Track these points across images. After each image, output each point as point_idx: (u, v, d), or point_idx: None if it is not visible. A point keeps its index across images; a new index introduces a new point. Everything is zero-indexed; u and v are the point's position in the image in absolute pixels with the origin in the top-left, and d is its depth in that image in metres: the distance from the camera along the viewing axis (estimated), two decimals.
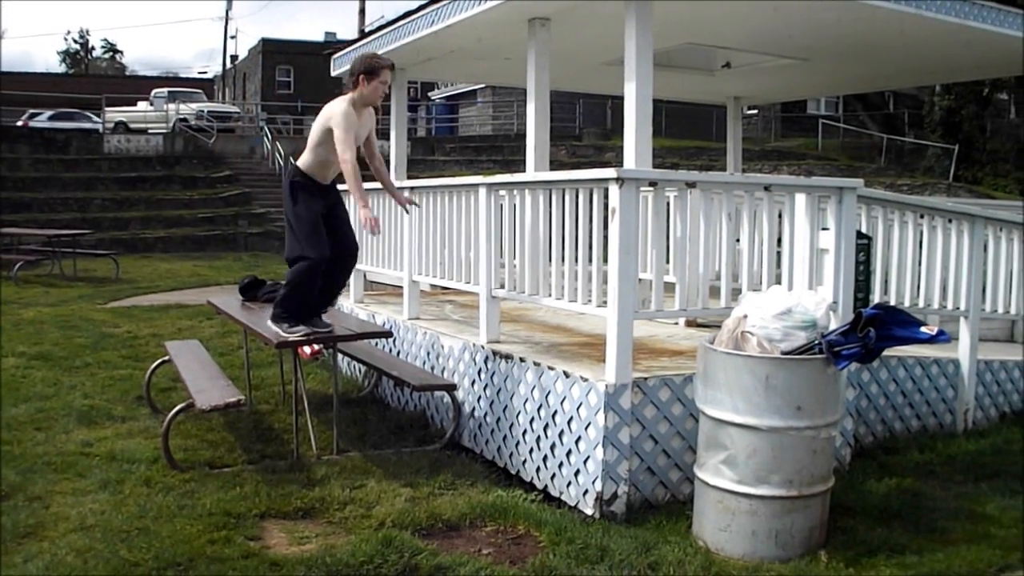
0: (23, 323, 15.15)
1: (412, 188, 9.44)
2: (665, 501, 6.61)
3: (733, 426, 5.75)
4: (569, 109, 44.44)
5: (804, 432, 5.70)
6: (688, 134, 43.12)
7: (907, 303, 8.15)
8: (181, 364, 8.70)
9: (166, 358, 9.41)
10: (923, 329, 6.00)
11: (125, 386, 10.33)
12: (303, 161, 7.79)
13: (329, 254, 7.64)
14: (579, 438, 6.57)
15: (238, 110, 50.51)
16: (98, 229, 28.58)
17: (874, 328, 5.77)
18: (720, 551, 5.81)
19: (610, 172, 6.32)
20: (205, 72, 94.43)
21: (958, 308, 8.63)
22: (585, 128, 46.97)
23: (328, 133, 7.54)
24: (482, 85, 49.15)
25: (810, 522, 5.82)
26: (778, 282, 7.06)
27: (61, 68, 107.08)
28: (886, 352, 6.32)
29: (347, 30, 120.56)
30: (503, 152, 40.75)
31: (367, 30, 14.24)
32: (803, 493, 5.74)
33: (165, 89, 47.64)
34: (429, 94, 60.30)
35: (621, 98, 9.17)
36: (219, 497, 6.67)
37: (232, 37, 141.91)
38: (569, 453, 6.69)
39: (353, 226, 8.22)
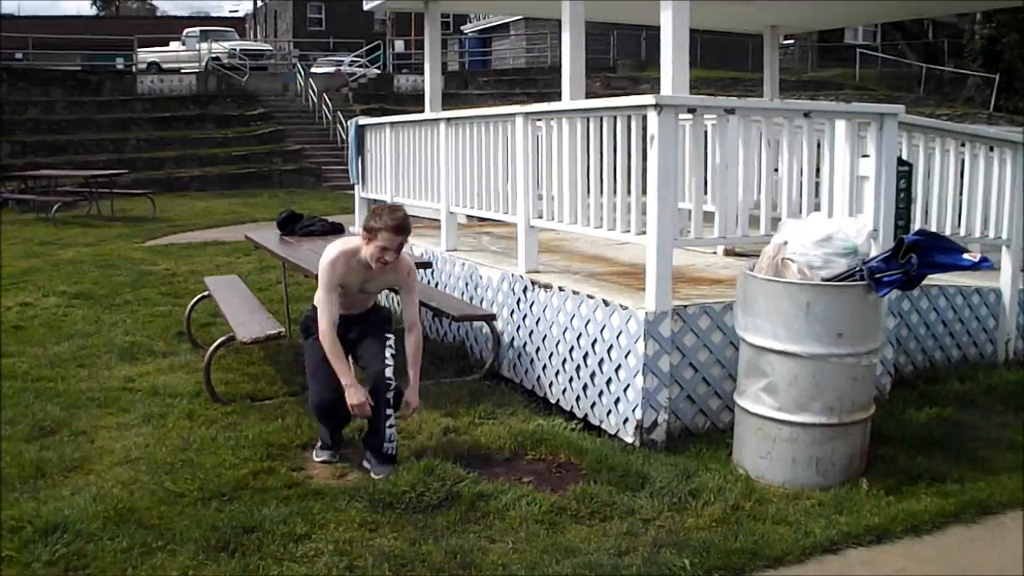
0: (63, 263, 15.29)
1: (449, 119, 9.39)
2: (705, 429, 6.62)
3: (773, 353, 5.73)
4: (603, 41, 43.98)
5: (845, 359, 5.67)
6: (723, 65, 42.73)
7: (948, 232, 8.07)
8: (220, 299, 8.74)
9: (205, 294, 9.46)
10: (966, 256, 5.93)
11: (165, 322, 10.42)
12: (316, 296, 6.37)
13: (328, 398, 6.18)
14: (619, 366, 6.57)
15: (270, 48, 50.40)
16: (133, 169, 28.71)
17: (916, 255, 5.71)
18: (760, 478, 5.82)
19: (648, 98, 6.27)
20: (236, 11, 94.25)
21: (1000, 237, 8.53)
22: (619, 60, 46.56)
23: None
24: (515, 17, 48.79)
25: (850, 450, 5.82)
26: (817, 210, 7.01)
27: (92, 11, 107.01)
28: (926, 281, 6.26)
29: None
30: (537, 85, 40.45)
31: None
32: (843, 421, 5.73)
33: (196, 29, 47.45)
34: (462, 27, 59.93)
35: (656, 29, 9.06)
36: (261, 429, 6.74)
37: None
38: (609, 382, 6.70)
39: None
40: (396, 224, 5.99)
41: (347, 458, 6.32)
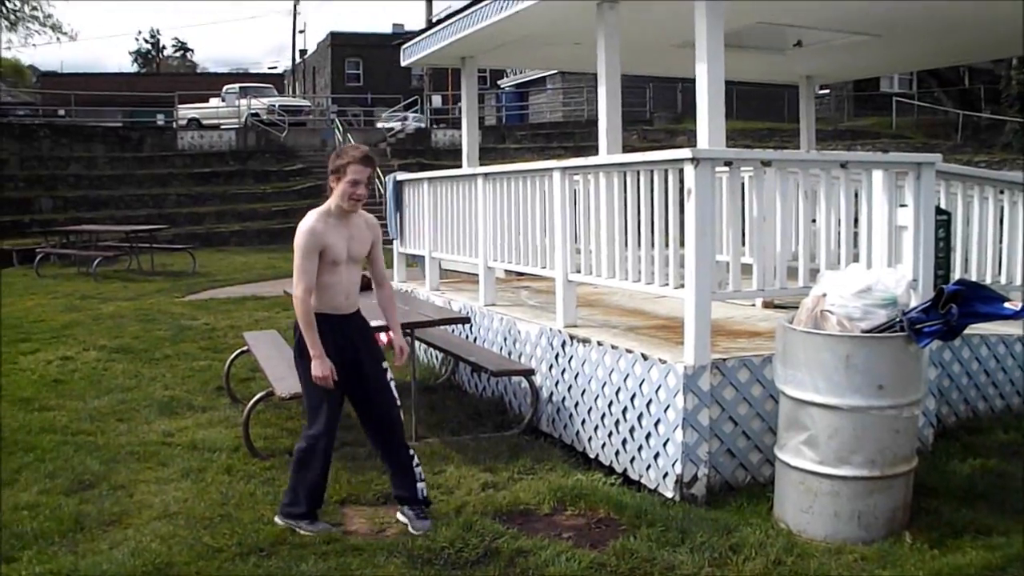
0: (103, 317, 15.41)
1: (486, 174, 9.44)
2: (745, 483, 6.58)
3: (814, 406, 5.69)
4: (639, 94, 44.15)
5: (886, 411, 5.63)
6: (759, 116, 42.72)
7: (988, 280, 8.04)
8: (260, 354, 8.78)
9: (244, 348, 9.50)
10: (1007, 305, 5.89)
11: (205, 377, 10.47)
12: (295, 269, 5.95)
13: (335, 426, 6.14)
14: (658, 420, 6.55)
15: (308, 103, 50.97)
16: (174, 224, 28.93)
17: (956, 304, 5.67)
18: (802, 533, 5.77)
19: (685, 152, 6.29)
20: (275, 67, 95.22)
21: None
22: (656, 112, 46.67)
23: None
24: (552, 71, 48.99)
25: (893, 503, 5.76)
26: (856, 261, 6.98)
27: (133, 68, 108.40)
28: (968, 330, 6.21)
29: (415, 20, 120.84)
30: (574, 138, 40.59)
31: (435, 20, 14.25)
32: (886, 473, 5.68)
33: (236, 85, 48.11)
34: (499, 82, 60.27)
35: (691, 81, 9.11)
36: None
37: (301, 31, 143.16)
38: (648, 436, 6.67)
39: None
40: (363, 155, 5.99)
41: (387, 512, 6.28)
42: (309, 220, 5.92)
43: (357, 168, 5.89)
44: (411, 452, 6.17)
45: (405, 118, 46.08)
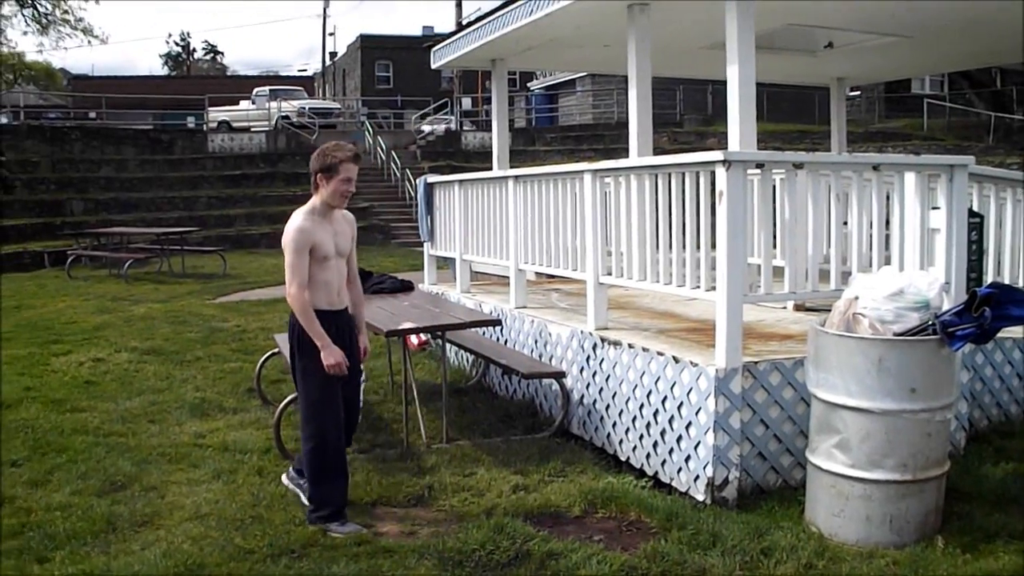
0: (134, 319, 15.51)
1: (517, 176, 9.46)
2: (776, 486, 6.55)
3: (846, 409, 5.68)
4: (669, 96, 44.02)
5: (918, 415, 5.61)
6: (789, 118, 42.54)
7: (1021, 283, 7.99)
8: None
9: (275, 350, 9.54)
10: None
11: (235, 379, 10.52)
12: (287, 268, 6.18)
13: (335, 391, 6.28)
14: (689, 423, 6.54)
15: (339, 106, 51.07)
16: (204, 227, 29.03)
17: (989, 308, 5.64)
18: (833, 536, 5.75)
19: (717, 154, 6.27)
20: (305, 70, 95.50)
21: None
22: (686, 115, 46.50)
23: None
24: (581, 74, 48.97)
25: (925, 507, 5.73)
26: (888, 263, 6.96)
27: (163, 71, 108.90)
28: (1000, 333, 6.18)
29: (445, 23, 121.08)
30: (604, 141, 40.54)
31: (464, 22, 14.26)
32: (918, 477, 5.65)
33: (266, 88, 48.33)
34: (528, 84, 60.27)
35: (722, 83, 9.10)
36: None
37: (331, 34, 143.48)
38: (679, 439, 6.66)
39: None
40: (355, 153, 6.28)
41: (418, 513, 6.31)
42: (297, 219, 6.14)
43: (349, 167, 6.17)
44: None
45: (448, 122, 46.14)
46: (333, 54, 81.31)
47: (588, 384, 7.96)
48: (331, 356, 6.06)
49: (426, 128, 43.82)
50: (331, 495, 6.15)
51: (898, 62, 14.54)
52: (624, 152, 11.34)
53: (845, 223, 7.31)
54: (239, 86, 64.18)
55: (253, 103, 45.16)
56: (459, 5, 49.18)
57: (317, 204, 6.21)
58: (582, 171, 8.11)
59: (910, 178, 7.06)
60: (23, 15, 46.40)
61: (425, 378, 10.13)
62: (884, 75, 19.21)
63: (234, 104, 46.04)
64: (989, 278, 7.76)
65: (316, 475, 6.21)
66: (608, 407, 7.64)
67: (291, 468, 6.69)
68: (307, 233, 6.09)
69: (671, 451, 6.78)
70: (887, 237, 7.22)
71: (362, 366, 6.59)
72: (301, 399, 6.37)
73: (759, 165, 6.85)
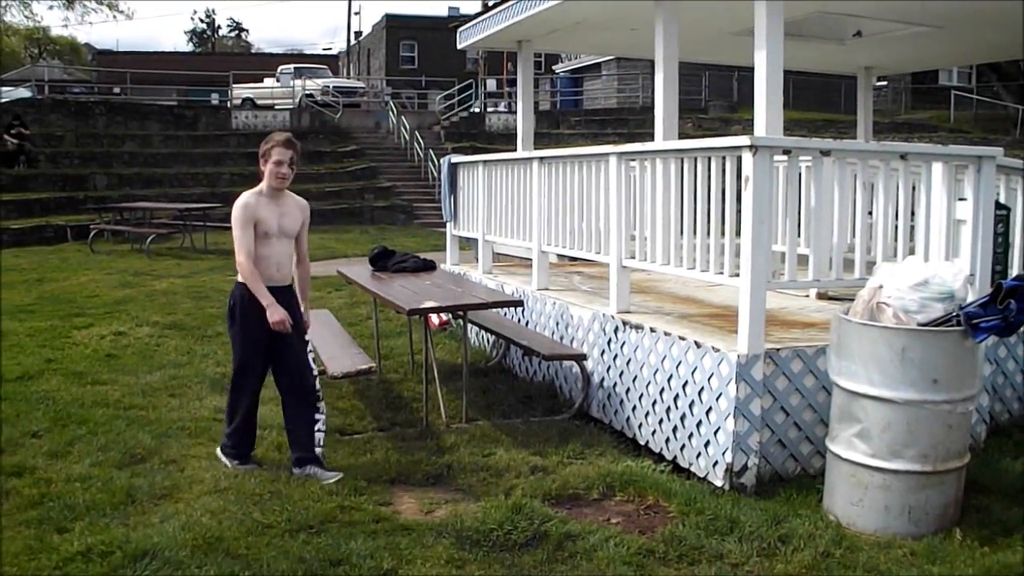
0: (156, 294, 15.57)
1: (541, 158, 9.44)
2: (795, 474, 6.55)
3: (867, 398, 5.66)
4: (695, 82, 43.84)
5: (940, 406, 5.59)
6: (815, 107, 42.37)
7: None
8: (312, 333, 8.79)
9: None
10: None
11: None
12: (235, 240, 6.76)
13: (257, 361, 6.83)
14: (710, 409, 6.54)
15: (363, 85, 51.07)
16: (227, 203, 28.80)
17: (1014, 300, 5.61)
18: (851, 526, 5.74)
19: (743, 139, 6.25)
20: (330, 48, 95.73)
21: None
22: (711, 101, 46.35)
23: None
24: (607, 57, 48.81)
25: (944, 499, 5.72)
26: (913, 254, 6.93)
27: (188, 47, 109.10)
28: None
29: (471, 4, 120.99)
30: (628, 125, 40.40)
31: (491, 3, 14.20)
32: (938, 469, 5.64)
33: (291, 66, 48.17)
34: (553, 67, 60.13)
35: (748, 70, 9.07)
36: (350, 463, 6.82)
37: (356, 14, 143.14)
38: (699, 424, 6.66)
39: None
40: (284, 139, 6.89)
41: (436, 492, 6.32)
42: (243, 197, 6.77)
43: (280, 150, 6.79)
44: (317, 418, 6.88)
45: (509, 105, 45.87)
46: (358, 33, 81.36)
47: (609, 367, 7.95)
48: (276, 313, 6.55)
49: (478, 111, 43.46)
50: (238, 442, 6.93)
51: (927, 52, 14.45)
52: (648, 137, 11.31)
53: (869, 213, 7.28)
54: (264, 64, 64.32)
55: (278, 81, 45.09)
56: None
57: (264, 187, 6.82)
58: (607, 153, 8.09)
59: (937, 168, 7.03)
60: None
61: (445, 358, 10.14)
62: (912, 65, 19.12)
63: (258, 81, 46.01)
64: (1015, 271, 7.73)
65: (230, 422, 6.96)
66: (628, 391, 7.64)
67: (294, 456, 6.81)
68: (250, 208, 6.69)
69: (691, 436, 6.78)
70: (912, 227, 7.19)
71: (307, 338, 7.09)
72: (232, 361, 7.02)
73: (786, 151, 6.83)
